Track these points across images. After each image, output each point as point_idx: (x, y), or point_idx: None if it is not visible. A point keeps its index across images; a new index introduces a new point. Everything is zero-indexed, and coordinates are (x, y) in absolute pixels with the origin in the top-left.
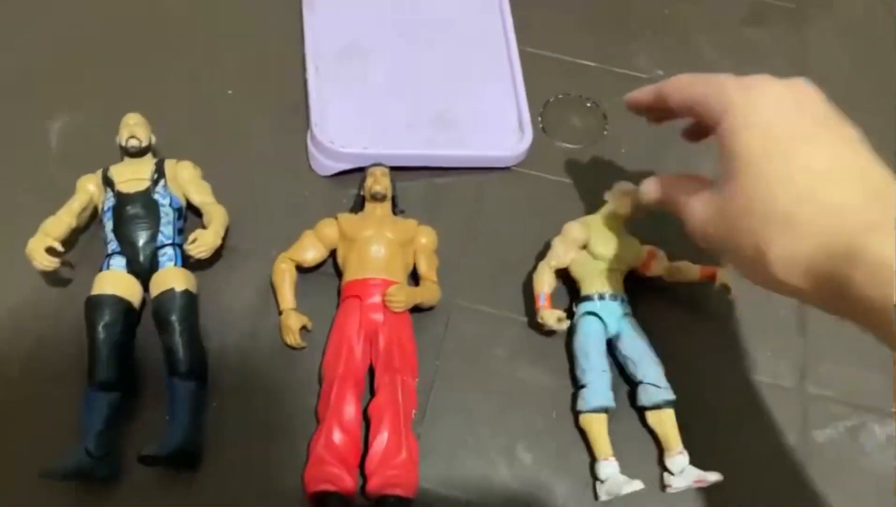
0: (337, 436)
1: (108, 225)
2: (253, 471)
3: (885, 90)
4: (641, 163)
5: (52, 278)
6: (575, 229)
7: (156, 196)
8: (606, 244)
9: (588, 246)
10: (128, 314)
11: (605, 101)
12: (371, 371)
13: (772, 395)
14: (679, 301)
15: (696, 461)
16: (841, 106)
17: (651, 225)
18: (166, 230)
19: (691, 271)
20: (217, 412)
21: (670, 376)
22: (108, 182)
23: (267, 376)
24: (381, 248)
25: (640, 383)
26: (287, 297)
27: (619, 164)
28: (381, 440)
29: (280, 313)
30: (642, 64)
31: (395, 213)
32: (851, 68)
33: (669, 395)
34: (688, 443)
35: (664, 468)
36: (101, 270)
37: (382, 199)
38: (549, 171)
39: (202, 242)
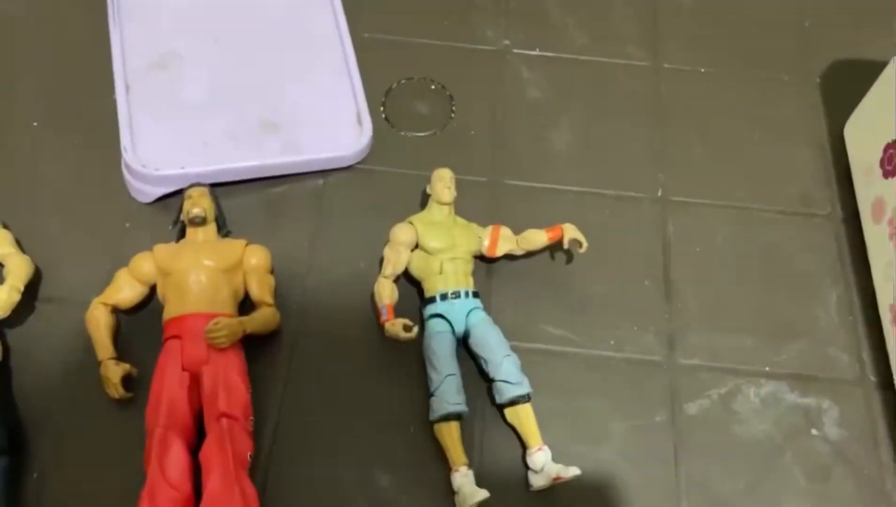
0: (163, 493)
1: None
2: None
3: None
4: (491, 144)
5: None
6: (400, 232)
7: None
8: (438, 237)
9: (420, 244)
10: None
11: (452, 81)
12: (201, 414)
13: (641, 371)
14: (534, 279)
15: (560, 456)
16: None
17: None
18: None
19: (539, 237)
20: (38, 484)
21: (530, 367)
22: None
23: (94, 436)
24: (200, 278)
25: (493, 380)
26: (104, 346)
27: (470, 148)
28: (210, 493)
29: (99, 364)
30: (489, 35)
31: (221, 235)
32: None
33: (523, 390)
34: (550, 436)
35: (527, 467)
36: None
37: (202, 222)
38: (396, 164)
39: None
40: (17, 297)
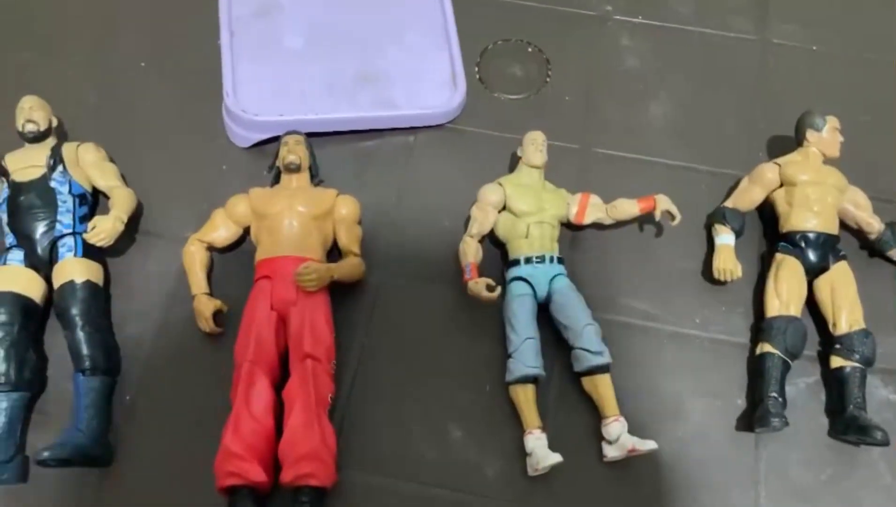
0: (246, 425)
1: (4, 218)
2: (169, 465)
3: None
4: (585, 111)
5: None
6: (489, 192)
7: (53, 183)
8: (526, 200)
9: (507, 206)
10: (28, 312)
11: (549, 44)
12: (287, 353)
13: (726, 352)
14: (621, 250)
15: (635, 429)
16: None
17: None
18: (65, 219)
19: (630, 207)
20: (131, 406)
21: (610, 338)
22: (2, 172)
23: (184, 365)
24: (293, 223)
25: (573, 348)
26: (198, 281)
27: (564, 113)
28: (292, 429)
29: (193, 298)
30: (591, 1)
31: (313, 183)
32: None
33: (602, 359)
34: (627, 408)
35: (602, 437)
36: None
37: (297, 169)
38: (487, 125)
39: (101, 230)
40: (120, 227)
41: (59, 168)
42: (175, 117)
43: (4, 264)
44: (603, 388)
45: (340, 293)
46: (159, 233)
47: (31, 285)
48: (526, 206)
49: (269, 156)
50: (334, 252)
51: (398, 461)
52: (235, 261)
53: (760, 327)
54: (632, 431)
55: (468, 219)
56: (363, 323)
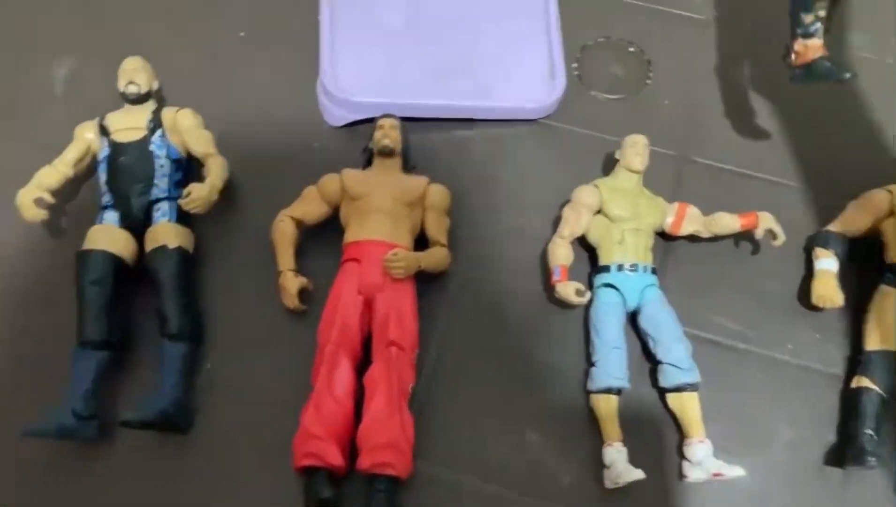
0: (327, 407)
1: (103, 177)
2: (246, 437)
3: None
4: (685, 117)
5: (48, 229)
6: (584, 193)
7: (151, 147)
8: (624, 205)
9: (603, 209)
10: (118, 272)
11: (652, 45)
12: (370, 338)
13: (818, 382)
14: (715, 266)
15: (719, 453)
16: None
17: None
18: (161, 183)
19: (731, 222)
20: (211, 374)
21: (699, 356)
22: (103, 131)
23: (265, 339)
24: (384, 207)
25: (660, 362)
26: (285, 257)
27: (662, 118)
28: (372, 415)
29: (279, 274)
30: (696, 2)
31: (405, 169)
32: None
33: (692, 377)
34: (712, 430)
35: (683, 456)
36: (94, 224)
37: (391, 154)
38: (583, 124)
39: (196, 197)
40: (216, 196)
41: (159, 132)
42: (270, 89)
43: (100, 222)
44: (689, 407)
45: (423, 283)
46: (249, 204)
47: (124, 246)
48: (623, 211)
49: (360, 136)
50: (420, 240)
51: (471, 458)
52: (321, 239)
53: (858, 359)
54: (714, 453)
55: (557, 218)
56: (445, 315)
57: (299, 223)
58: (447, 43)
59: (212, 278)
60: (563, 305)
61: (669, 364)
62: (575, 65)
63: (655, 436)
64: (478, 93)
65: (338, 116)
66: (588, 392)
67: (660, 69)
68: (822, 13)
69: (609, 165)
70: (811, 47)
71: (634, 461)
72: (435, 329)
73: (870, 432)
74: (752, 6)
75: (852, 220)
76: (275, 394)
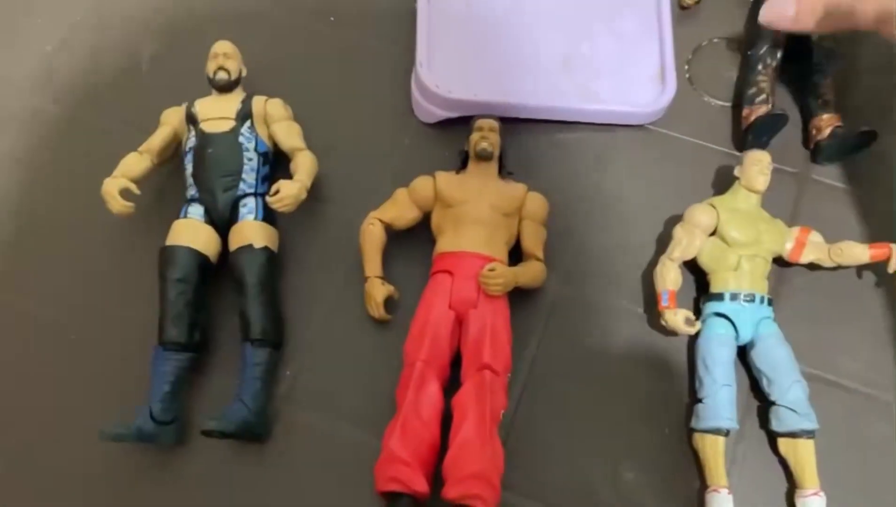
0: (413, 430)
1: (189, 168)
2: (324, 451)
3: None
4: (799, 126)
5: (131, 221)
6: (699, 213)
7: (241, 139)
8: (741, 228)
9: (718, 231)
10: (203, 269)
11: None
12: (459, 356)
13: None
14: (834, 299)
15: (833, 504)
16: None
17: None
18: (248, 178)
19: (859, 252)
20: (290, 382)
21: (816, 398)
22: (191, 119)
23: (347, 348)
24: (481, 217)
25: (774, 404)
26: (373, 263)
27: (782, 131)
28: (462, 442)
29: (365, 279)
30: None
31: (501, 175)
32: None
33: (809, 424)
34: (827, 483)
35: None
36: (178, 217)
37: (489, 158)
38: (693, 132)
39: (285, 195)
40: (304, 194)
41: (248, 123)
42: (359, 81)
43: (185, 216)
44: (805, 455)
45: (514, 299)
46: (333, 201)
47: (209, 243)
48: (741, 235)
49: (453, 135)
50: (512, 252)
51: (561, 491)
52: (408, 245)
53: None
54: None
55: (661, 234)
56: (537, 335)
57: (388, 227)
58: (552, 39)
59: (293, 281)
60: (667, 331)
61: (785, 407)
62: (686, 66)
63: (762, 484)
64: (583, 95)
65: (431, 112)
66: (692, 430)
67: (782, 74)
68: (764, 85)
69: (721, 178)
70: (755, 111)
71: None
72: (525, 351)
73: None
74: None
75: None
76: (355, 407)
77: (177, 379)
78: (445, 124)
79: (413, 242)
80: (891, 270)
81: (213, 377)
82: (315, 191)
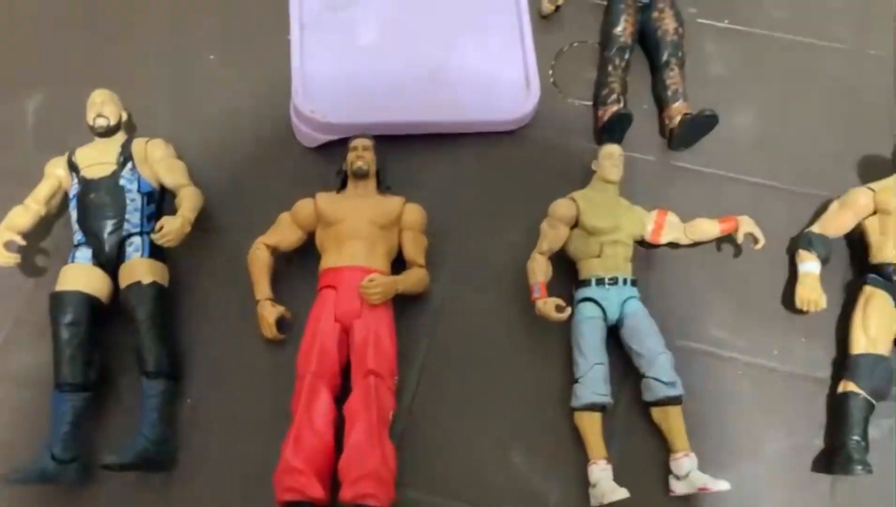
0: (307, 440)
1: (74, 214)
2: (229, 472)
3: None
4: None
5: (25, 269)
6: (560, 207)
7: (122, 181)
8: (601, 216)
9: (580, 222)
10: (94, 311)
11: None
12: (349, 366)
13: (805, 388)
14: (697, 273)
15: (706, 465)
16: None
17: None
18: (133, 218)
19: (710, 227)
20: (192, 410)
21: (683, 366)
22: (73, 167)
23: (245, 370)
24: (359, 232)
25: (644, 376)
26: (262, 286)
27: (641, 122)
28: (353, 445)
29: (256, 303)
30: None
31: (380, 190)
32: None
33: (674, 391)
34: (698, 443)
35: (670, 471)
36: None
37: (365, 175)
38: (561, 133)
39: (168, 230)
40: (188, 228)
41: (129, 165)
42: (242, 113)
43: (73, 261)
44: (673, 420)
45: (403, 305)
46: (223, 230)
47: (98, 285)
48: (600, 223)
49: (336, 157)
50: (397, 261)
51: (457, 482)
52: (300, 264)
53: (845, 364)
54: (702, 465)
55: (538, 232)
56: (425, 337)
57: (275, 250)
58: (421, 59)
59: (189, 311)
60: (546, 321)
61: (653, 378)
62: (550, 72)
63: (642, 450)
64: (453, 107)
65: (310, 137)
66: (572, 410)
67: (637, 72)
68: (615, 85)
69: (589, 172)
70: (607, 111)
71: (621, 475)
72: (416, 352)
73: (857, 438)
74: (729, 3)
75: (835, 220)
76: (257, 425)
77: (75, 419)
78: (328, 147)
79: (305, 262)
80: (739, 240)
81: (120, 413)
82: (205, 223)
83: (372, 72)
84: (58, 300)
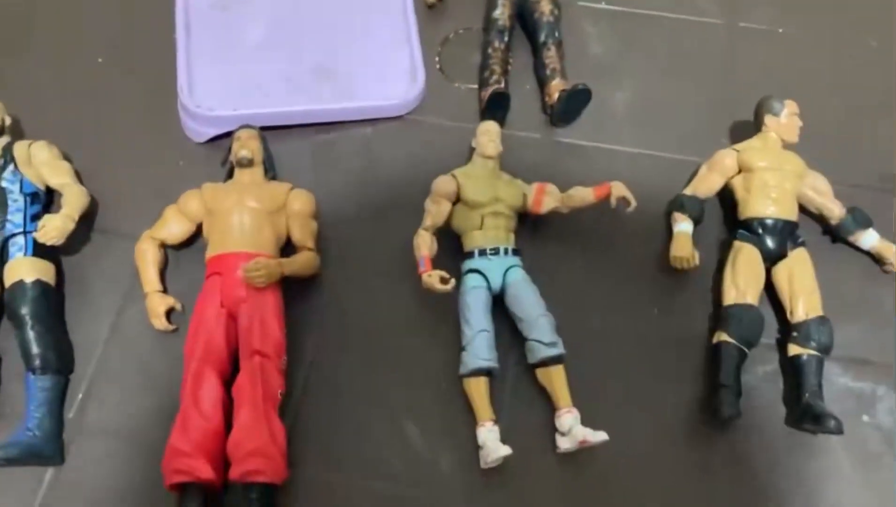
0: (194, 423)
1: None
2: (121, 464)
3: None
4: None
5: None
6: (441, 184)
7: (3, 183)
8: (480, 190)
9: (461, 197)
10: None
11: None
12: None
13: (687, 342)
14: (579, 240)
15: (591, 419)
16: None
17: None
18: (15, 218)
19: (585, 194)
20: (82, 404)
21: (569, 328)
22: None
23: (136, 363)
24: (244, 218)
25: (527, 339)
26: (150, 279)
27: (525, 102)
28: (239, 425)
29: (145, 295)
30: None
31: (267, 178)
32: None
33: (555, 351)
34: (585, 400)
35: (556, 429)
36: None
37: (249, 164)
38: (449, 116)
39: (51, 228)
40: (71, 225)
41: (10, 167)
42: (131, 113)
43: None
44: (556, 379)
45: (295, 288)
46: (114, 230)
47: None
48: (480, 196)
49: (225, 151)
50: (289, 247)
51: (354, 458)
52: (189, 257)
53: (718, 315)
54: (588, 422)
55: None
56: (318, 318)
57: (162, 244)
58: (309, 50)
59: (80, 308)
60: (435, 296)
61: (534, 340)
62: (437, 58)
63: (532, 413)
64: (341, 95)
65: (199, 132)
66: (460, 377)
67: (519, 54)
68: (496, 67)
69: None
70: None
71: (512, 439)
72: (309, 333)
73: (728, 384)
74: None
75: (704, 181)
76: (150, 418)
77: None
78: (218, 140)
79: (192, 255)
80: (613, 204)
81: (7, 413)
82: (97, 221)
83: (259, 66)
84: None
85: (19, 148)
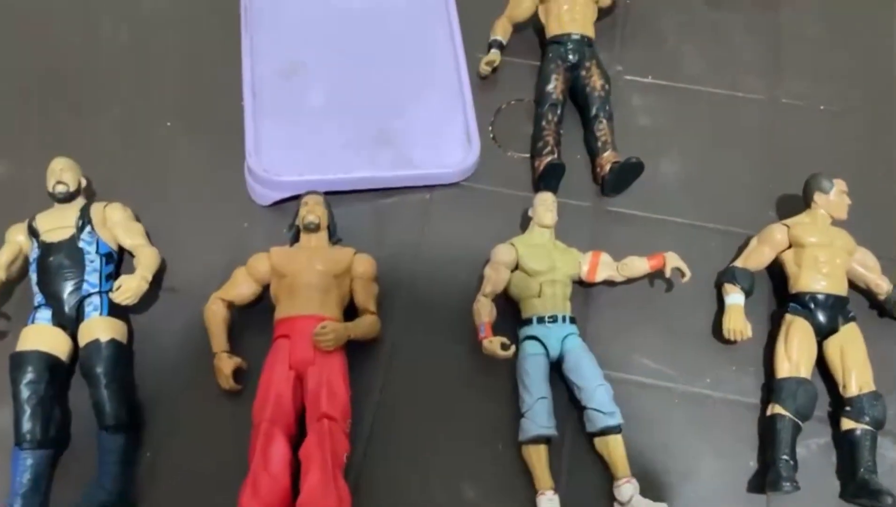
0: (263, 484)
1: (34, 277)
2: None
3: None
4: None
5: None
6: (501, 252)
7: (81, 244)
8: (538, 259)
9: (520, 265)
10: (54, 370)
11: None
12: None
13: (737, 412)
14: (633, 308)
15: (648, 490)
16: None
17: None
18: (92, 278)
19: (640, 264)
20: (150, 463)
21: (622, 397)
22: (33, 232)
23: (204, 423)
24: (311, 282)
25: (585, 408)
26: (218, 339)
27: (576, 172)
28: (309, 489)
29: (213, 356)
30: (602, 59)
31: (332, 242)
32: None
33: (613, 420)
34: (638, 469)
35: (615, 498)
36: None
37: (316, 229)
38: (502, 184)
39: (126, 289)
40: (145, 286)
41: (87, 229)
42: (199, 176)
43: (33, 322)
44: (614, 448)
45: (356, 350)
46: (183, 290)
47: (57, 344)
48: (538, 265)
49: (289, 214)
50: (351, 309)
51: None
52: (257, 317)
53: (771, 388)
54: (644, 491)
55: (482, 277)
56: (379, 380)
57: (230, 305)
58: (367, 117)
59: (149, 366)
60: (493, 360)
61: (593, 409)
62: (490, 127)
63: (589, 481)
64: (399, 162)
65: (265, 195)
66: (520, 443)
67: (570, 126)
68: (549, 138)
69: (527, 220)
70: (542, 162)
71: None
72: (370, 395)
73: (785, 457)
74: (653, 48)
75: (755, 254)
76: (216, 476)
77: (35, 475)
78: (281, 204)
79: (258, 316)
80: (667, 274)
81: (79, 470)
82: (164, 281)
83: (322, 131)
84: (17, 360)
85: (95, 210)
